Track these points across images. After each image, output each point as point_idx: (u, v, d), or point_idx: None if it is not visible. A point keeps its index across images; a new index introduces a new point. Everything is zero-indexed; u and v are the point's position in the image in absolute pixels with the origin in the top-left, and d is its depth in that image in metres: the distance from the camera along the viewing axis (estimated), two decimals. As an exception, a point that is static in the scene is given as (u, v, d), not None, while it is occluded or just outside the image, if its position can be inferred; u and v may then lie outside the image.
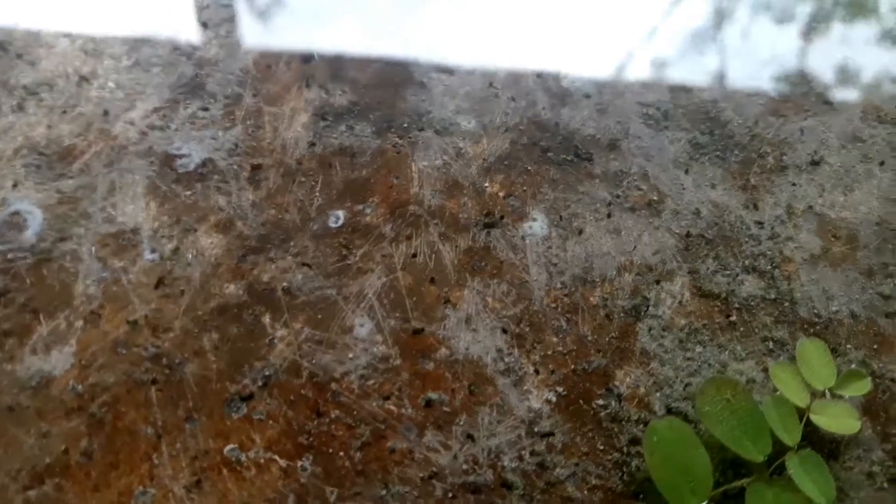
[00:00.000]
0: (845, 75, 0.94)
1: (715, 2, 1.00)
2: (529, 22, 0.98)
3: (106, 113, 0.85)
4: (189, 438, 0.69)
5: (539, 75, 0.92)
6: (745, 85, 0.92)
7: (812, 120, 0.92)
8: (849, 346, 0.79)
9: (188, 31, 0.92)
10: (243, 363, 0.73)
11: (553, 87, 0.91)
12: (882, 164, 0.89)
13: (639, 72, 0.93)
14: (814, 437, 0.72)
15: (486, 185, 0.84)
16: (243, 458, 0.69)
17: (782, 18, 1.00)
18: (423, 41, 0.94)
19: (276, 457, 0.69)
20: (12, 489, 0.66)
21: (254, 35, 0.93)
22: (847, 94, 0.93)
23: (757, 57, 0.96)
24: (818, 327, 0.79)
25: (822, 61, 0.96)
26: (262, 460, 0.69)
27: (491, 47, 0.94)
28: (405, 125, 0.88)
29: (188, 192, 0.81)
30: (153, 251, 0.78)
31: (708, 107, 0.92)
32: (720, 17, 0.98)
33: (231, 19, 0.94)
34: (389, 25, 0.95)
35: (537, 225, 0.82)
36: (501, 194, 0.84)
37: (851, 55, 0.97)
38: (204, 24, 0.93)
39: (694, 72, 0.93)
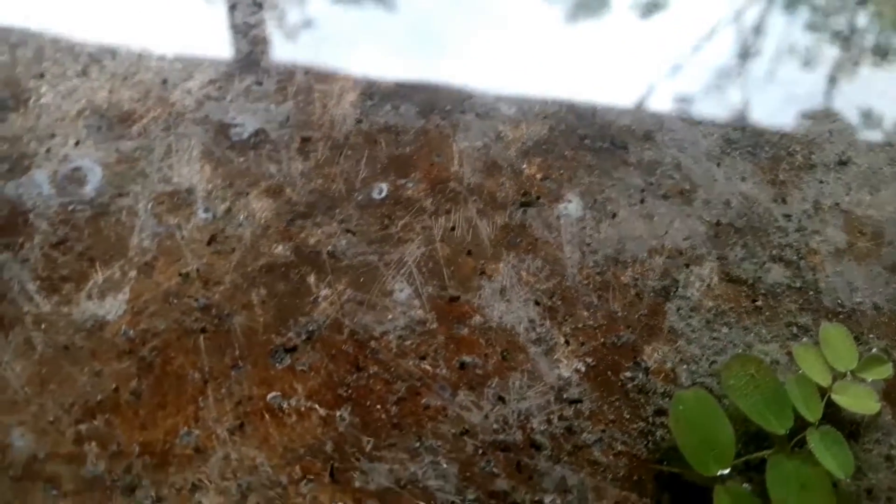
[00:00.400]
0: (870, 119, 0.97)
1: (741, 41, 1.03)
2: (551, 55, 1.01)
3: (165, 81, 0.90)
4: (234, 384, 0.72)
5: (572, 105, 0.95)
6: (768, 123, 0.95)
7: (840, 122, 0.95)
8: (871, 335, 0.81)
9: (244, 10, 0.97)
10: (288, 318, 0.76)
11: (592, 79, 0.95)
12: (908, 167, 0.92)
13: (660, 106, 0.96)
14: (835, 419, 0.74)
15: (524, 166, 0.88)
16: (285, 405, 0.72)
17: (808, 61, 1.03)
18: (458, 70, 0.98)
19: (317, 406, 0.72)
20: (65, 421, 0.70)
21: (306, 16, 0.97)
22: (872, 136, 0.96)
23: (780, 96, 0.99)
24: (842, 316, 0.82)
25: (847, 104, 0.99)
26: (302, 408, 0.72)
27: (515, 79, 0.98)
28: (447, 108, 0.91)
29: (241, 159, 0.85)
30: (206, 210, 0.81)
31: (740, 105, 0.95)
32: (745, 57, 1.01)
33: (286, 1, 0.98)
34: (434, 22, 0.99)
35: (572, 206, 0.86)
36: (539, 176, 0.87)
37: (877, 100, 1.00)
38: (259, 5, 0.97)
39: (717, 108, 0.96)
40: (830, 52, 1.03)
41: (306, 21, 0.97)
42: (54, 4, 0.95)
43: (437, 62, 0.95)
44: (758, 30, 1.04)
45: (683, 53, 1.01)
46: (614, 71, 0.98)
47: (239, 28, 0.95)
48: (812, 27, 1.05)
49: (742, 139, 0.92)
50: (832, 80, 1.00)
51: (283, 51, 0.94)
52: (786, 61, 1.01)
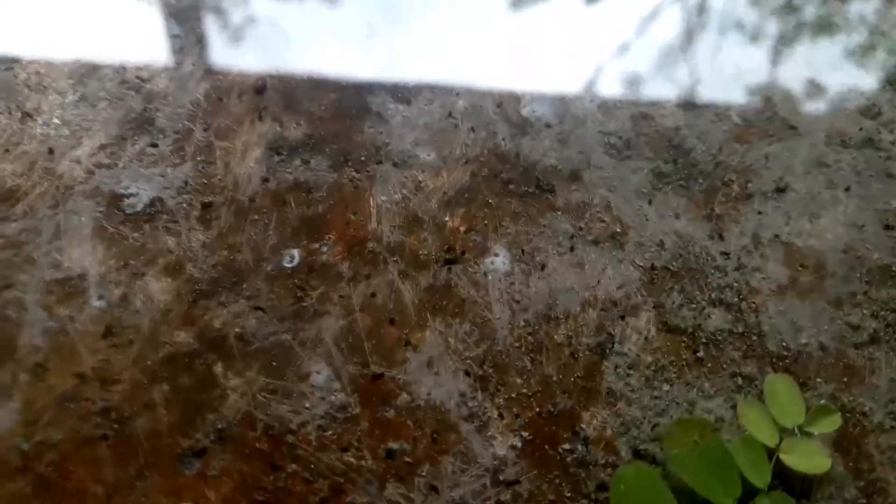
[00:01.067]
0: (812, 93, 0.94)
1: (686, 20, 0.99)
2: (495, 41, 0.96)
3: (51, 151, 0.82)
4: (140, 498, 0.66)
5: (499, 105, 0.89)
6: (712, 103, 0.91)
7: (777, 146, 0.91)
8: (818, 379, 0.77)
9: (135, 63, 0.89)
10: (195, 416, 0.70)
11: (513, 117, 0.89)
12: (847, 189, 0.88)
13: (607, 88, 0.91)
14: (785, 476, 0.71)
15: (447, 219, 0.82)
16: (196, 517, 0.66)
17: (754, 36, 0.99)
18: (382, 65, 0.92)
19: (231, 515, 0.66)
20: (-49, 560, 0.63)
21: (203, 65, 0.90)
22: (814, 109, 0.92)
23: (725, 74, 0.95)
24: (787, 361, 0.78)
25: (790, 80, 0.95)
26: (216, 519, 0.66)
27: (453, 69, 0.92)
28: (362, 158, 0.85)
29: (136, 234, 0.78)
30: (100, 298, 0.74)
31: (671, 134, 0.90)
32: (690, 35, 0.96)
33: (181, 50, 0.91)
34: (349, 51, 0.93)
35: (499, 260, 0.80)
36: (462, 229, 0.82)
37: (817, 74, 0.96)
38: (152, 54, 0.90)
39: (663, 89, 0.92)
40: (773, 27, 0.99)
41: (221, 48, 0.90)
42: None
43: (369, 58, 0.89)
44: (701, 8, 1.00)
45: (629, 35, 0.96)
46: (560, 57, 0.93)
47: (130, 83, 0.87)
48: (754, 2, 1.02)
49: (674, 172, 0.87)
50: (776, 54, 0.96)
51: (181, 102, 0.87)
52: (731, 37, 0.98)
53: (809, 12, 1.02)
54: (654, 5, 1.01)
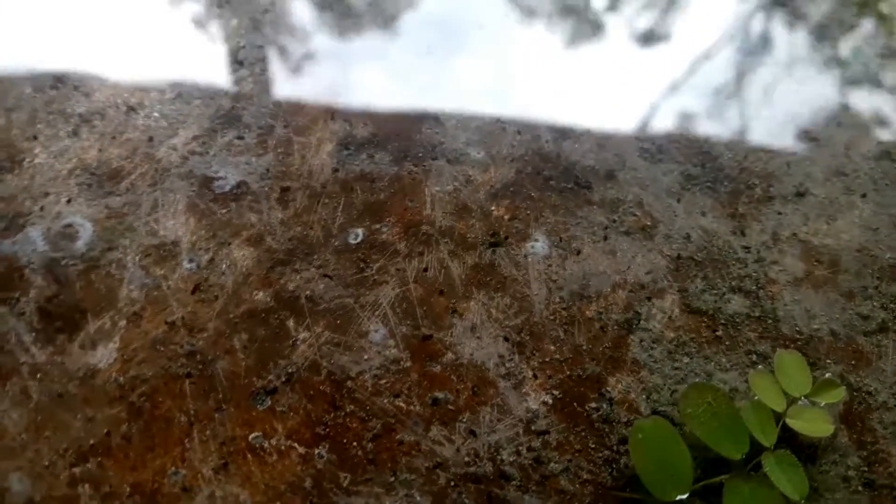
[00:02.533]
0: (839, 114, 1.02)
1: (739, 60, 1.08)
2: (548, 77, 1.06)
3: (151, 139, 0.95)
4: (218, 426, 0.77)
5: (545, 115, 1.00)
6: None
7: (798, 155, 0.99)
8: (828, 361, 0.85)
9: (226, 69, 1.02)
10: (269, 361, 0.80)
11: (556, 124, 0.99)
12: (864, 195, 0.96)
13: (663, 124, 1.01)
14: (793, 443, 0.78)
15: (493, 208, 0.92)
16: (266, 444, 0.76)
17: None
18: (441, 91, 1.03)
19: (296, 444, 0.76)
20: (60, 465, 0.74)
21: (284, 73, 1.03)
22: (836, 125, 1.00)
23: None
24: (799, 343, 0.85)
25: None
26: (282, 447, 0.76)
27: (505, 98, 1.03)
28: (420, 155, 0.96)
29: (224, 210, 0.90)
30: (191, 261, 0.86)
31: (700, 142, 0.99)
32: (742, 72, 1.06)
33: (264, 59, 1.04)
34: (408, 74, 1.04)
35: (539, 245, 0.90)
36: (506, 217, 0.92)
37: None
38: (240, 63, 1.03)
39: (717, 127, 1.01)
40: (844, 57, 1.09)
41: (295, 66, 1.02)
42: (47, 70, 1.00)
43: (428, 94, 1.00)
44: (758, 47, 1.09)
45: (681, 75, 1.06)
46: (613, 95, 1.03)
47: (221, 86, 1.00)
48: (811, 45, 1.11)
49: (702, 175, 0.96)
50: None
51: (265, 103, 0.99)
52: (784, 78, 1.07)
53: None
54: (707, 46, 1.11)
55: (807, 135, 1.01)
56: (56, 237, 0.87)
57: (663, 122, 1.01)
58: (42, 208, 0.89)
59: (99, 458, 0.74)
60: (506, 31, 1.10)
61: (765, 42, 1.11)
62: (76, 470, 0.74)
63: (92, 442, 0.75)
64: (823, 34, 1.12)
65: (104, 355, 0.80)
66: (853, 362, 0.85)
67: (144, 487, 0.73)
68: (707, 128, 1.01)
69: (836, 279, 0.90)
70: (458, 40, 1.08)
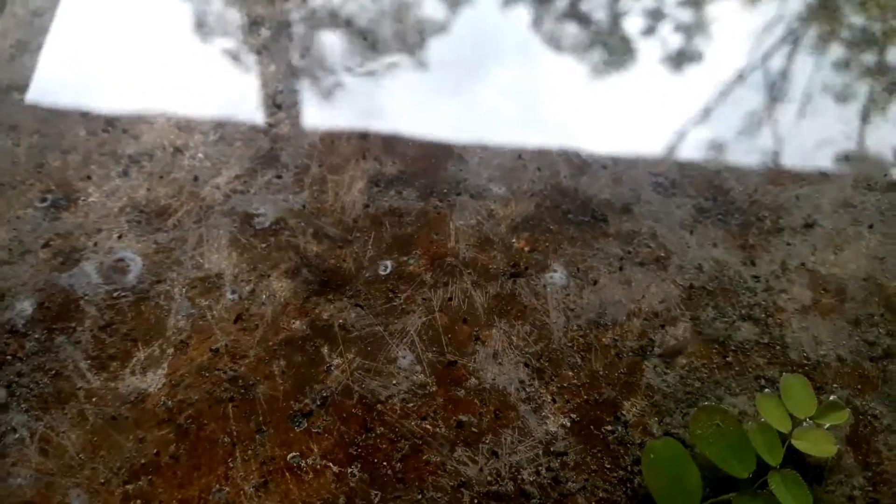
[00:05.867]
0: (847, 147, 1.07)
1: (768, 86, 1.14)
2: (575, 105, 1.12)
3: (196, 178, 1.02)
4: (258, 447, 0.83)
5: (564, 151, 1.06)
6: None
7: (807, 188, 1.04)
8: (835, 385, 0.89)
9: (265, 112, 1.09)
10: (305, 386, 0.87)
11: (574, 159, 1.05)
12: (871, 226, 1.00)
13: (676, 159, 1.06)
14: (800, 464, 0.82)
15: (514, 241, 0.98)
16: (303, 464, 0.82)
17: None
18: (465, 128, 1.10)
19: (330, 464, 0.82)
20: (114, 482, 0.80)
21: (319, 115, 1.10)
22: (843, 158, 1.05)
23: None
24: (807, 368, 0.90)
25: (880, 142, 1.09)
26: (318, 466, 0.82)
27: (533, 138, 1.09)
28: (445, 191, 1.02)
29: (263, 245, 0.97)
30: (233, 292, 0.93)
31: (712, 176, 1.04)
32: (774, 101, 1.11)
33: (300, 102, 1.11)
34: (434, 112, 1.11)
35: (557, 275, 0.95)
36: (527, 249, 0.97)
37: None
38: (278, 106, 1.10)
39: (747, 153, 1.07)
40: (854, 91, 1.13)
41: (329, 109, 1.09)
42: (99, 113, 1.08)
43: (452, 131, 1.07)
44: (768, 84, 1.14)
45: (694, 111, 1.11)
46: (628, 130, 1.09)
47: (260, 128, 1.07)
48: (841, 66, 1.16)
49: (713, 208, 1.01)
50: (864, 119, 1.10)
51: (301, 144, 1.06)
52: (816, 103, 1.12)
53: None
54: (719, 83, 1.17)
55: (815, 168, 1.05)
56: (108, 271, 0.94)
57: (676, 157, 1.06)
58: (95, 244, 0.96)
59: (149, 476, 0.81)
60: (526, 66, 1.16)
61: (777, 77, 1.16)
62: (129, 487, 0.80)
63: (143, 461, 0.82)
64: (836, 69, 1.17)
65: (153, 380, 0.87)
66: (859, 386, 0.89)
67: None
68: (718, 162, 1.06)
69: (842, 307, 0.94)
70: (481, 76, 1.14)
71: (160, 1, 1.22)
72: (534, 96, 1.13)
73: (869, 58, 1.18)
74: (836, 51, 1.19)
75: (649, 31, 1.21)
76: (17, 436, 0.83)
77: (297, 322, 0.91)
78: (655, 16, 1.23)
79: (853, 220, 1.01)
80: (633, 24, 1.22)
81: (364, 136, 1.08)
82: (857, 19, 1.22)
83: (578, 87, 1.14)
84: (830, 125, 1.10)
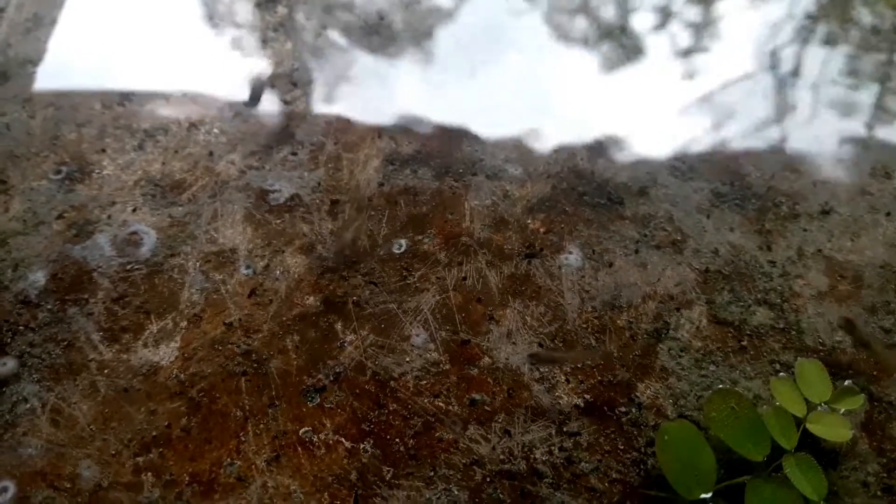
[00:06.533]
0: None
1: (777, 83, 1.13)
2: (583, 97, 1.12)
3: (211, 154, 1.02)
4: (271, 421, 0.82)
5: (580, 133, 1.05)
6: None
7: (824, 175, 1.03)
8: (850, 371, 0.88)
9: (281, 89, 1.09)
10: (318, 361, 0.86)
11: (591, 142, 1.05)
12: (888, 214, 1.00)
13: (694, 143, 1.05)
14: (815, 449, 0.82)
15: (529, 222, 0.97)
16: (315, 438, 0.82)
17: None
18: (481, 111, 1.09)
19: (343, 439, 0.82)
20: (125, 454, 0.80)
21: (335, 93, 1.09)
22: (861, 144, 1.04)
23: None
24: (822, 353, 0.89)
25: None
26: (330, 441, 0.81)
27: (550, 121, 1.09)
28: (460, 170, 1.02)
29: (278, 221, 0.96)
30: (248, 267, 0.92)
31: (729, 161, 1.04)
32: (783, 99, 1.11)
33: (316, 80, 1.10)
34: (450, 94, 1.10)
35: (573, 257, 0.95)
36: (542, 230, 0.97)
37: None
38: (294, 84, 1.10)
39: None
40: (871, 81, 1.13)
41: (345, 87, 1.09)
42: (115, 88, 1.08)
43: (468, 113, 1.06)
44: (787, 69, 1.14)
45: (712, 95, 1.10)
46: (645, 114, 1.08)
47: (276, 105, 1.07)
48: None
49: (730, 193, 1.01)
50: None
51: (317, 121, 1.05)
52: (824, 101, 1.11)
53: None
54: (737, 68, 1.16)
55: (833, 156, 1.05)
56: (122, 243, 0.94)
57: (694, 142, 1.06)
58: (109, 216, 0.96)
59: (161, 449, 0.81)
60: (543, 50, 1.15)
61: (794, 64, 1.15)
62: (140, 459, 0.80)
63: (154, 434, 0.82)
64: (851, 58, 1.16)
65: (166, 353, 0.86)
66: (875, 373, 0.88)
67: (202, 477, 0.79)
68: (736, 147, 1.05)
69: (859, 294, 0.94)
70: (498, 59, 1.14)
71: (176, -23, 1.21)
72: (551, 82, 1.13)
73: (885, 45, 1.17)
74: (852, 40, 1.18)
75: (667, 18, 1.20)
76: (28, 406, 0.83)
77: (311, 298, 0.91)
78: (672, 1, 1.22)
79: (870, 208, 1.00)
80: (650, 12, 1.21)
81: (379, 115, 1.07)
82: (874, 8, 1.21)
83: (596, 71, 1.14)
84: (848, 114, 1.09)
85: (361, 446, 0.82)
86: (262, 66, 1.11)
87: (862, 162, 1.04)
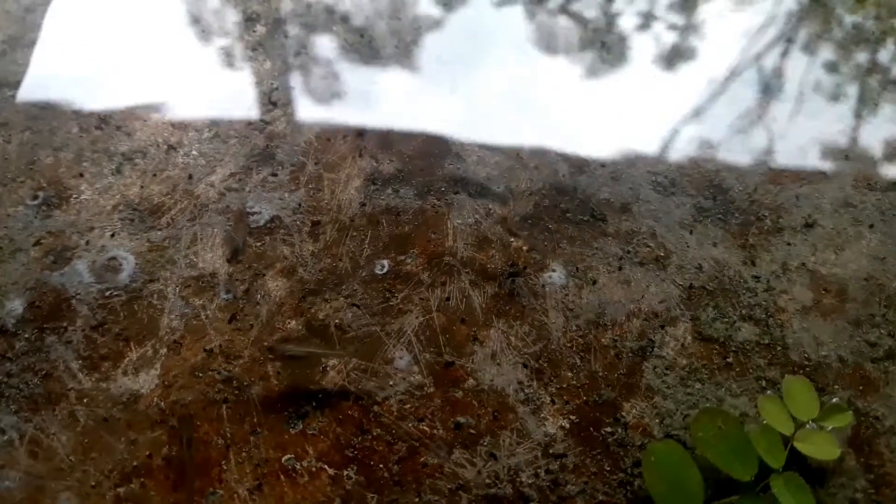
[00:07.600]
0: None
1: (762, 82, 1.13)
2: (568, 105, 1.11)
3: (190, 176, 1.01)
4: (253, 449, 0.81)
5: (562, 150, 1.05)
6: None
7: (807, 187, 1.03)
8: (836, 386, 0.88)
9: (260, 109, 1.08)
10: (300, 387, 0.85)
11: (573, 158, 1.04)
12: (871, 226, 0.99)
13: (675, 158, 1.05)
14: (802, 467, 0.81)
15: (512, 240, 0.97)
16: (298, 466, 0.80)
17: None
18: (463, 127, 1.08)
19: (326, 466, 0.81)
20: (105, 485, 0.79)
21: (315, 112, 1.08)
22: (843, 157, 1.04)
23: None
24: (808, 369, 0.89)
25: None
26: (313, 469, 0.80)
27: (532, 137, 1.08)
28: (443, 189, 1.01)
29: (258, 244, 0.95)
30: (228, 292, 0.91)
31: (712, 175, 1.03)
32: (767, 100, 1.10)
33: (296, 100, 1.09)
34: (431, 110, 1.10)
35: (556, 275, 0.94)
36: (525, 248, 0.96)
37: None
38: (273, 103, 1.09)
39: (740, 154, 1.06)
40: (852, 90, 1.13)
41: (325, 106, 1.08)
42: (92, 110, 1.06)
43: (450, 130, 1.06)
44: (768, 82, 1.13)
45: (692, 109, 1.10)
46: (626, 129, 1.08)
47: (255, 125, 1.06)
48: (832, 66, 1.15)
49: (713, 207, 1.00)
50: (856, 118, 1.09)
51: (297, 141, 1.05)
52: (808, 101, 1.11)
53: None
54: (717, 81, 1.16)
55: (815, 168, 1.04)
56: (101, 269, 0.92)
57: (676, 156, 1.05)
58: (88, 242, 0.95)
59: (142, 479, 0.79)
60: (524, 65, 1.15)
61: (774, 76, 1.15)
62: (120, 490, 0.79)
63: (135, 464, 0.80)
64: (834, 68, 1.16)
65: (146, 381, 0.85)
66: (861, 388, 0.88)
67: (184, 506, 0.78)
68: (718, 161, 1.05)
69: (843, 307, 0.93)
70: (478, 74, 1.13)
71: (154, -3, 1.20)
72: (532, 94, 1.12)
73: (864, 56, 1.17)
74: (832, 49, 1.18)
75: (645, 29, 1.20)
76: (5, 437, 0.82)
77: (293, 322, 0.90)
78: (651, 15, 1.22)
79: (854, 220, 1.00)
80: (629, 23, 1.21)
81: (360, 134, 1.07)
82: (852, 18, 1.22)
83: (577, 85, 1.13)
84: (830, 124, 1.09)
85: (345, 473, 0.81)
86: (240, 85, 1.10)
87: (844, 173, 1.04)
